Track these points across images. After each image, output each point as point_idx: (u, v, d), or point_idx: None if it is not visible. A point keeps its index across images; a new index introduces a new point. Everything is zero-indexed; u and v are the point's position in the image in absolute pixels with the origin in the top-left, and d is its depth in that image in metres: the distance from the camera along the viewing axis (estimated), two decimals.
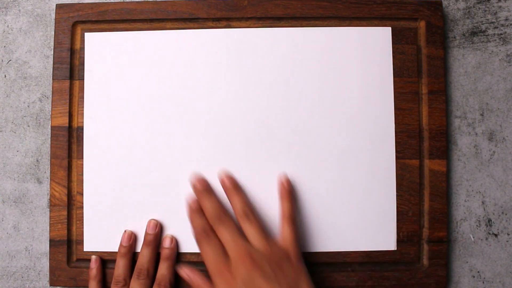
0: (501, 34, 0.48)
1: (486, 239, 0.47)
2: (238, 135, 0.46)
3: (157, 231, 0.45)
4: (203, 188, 0.45)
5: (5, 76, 0.49)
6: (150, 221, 0.45)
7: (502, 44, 0.48)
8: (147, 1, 0.48)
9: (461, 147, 0.48)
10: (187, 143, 0.46)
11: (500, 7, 0.49)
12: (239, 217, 0.43)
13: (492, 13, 0.49)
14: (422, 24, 0.47)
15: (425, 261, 0.46)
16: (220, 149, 0.46)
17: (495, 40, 0.48)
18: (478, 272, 0.47)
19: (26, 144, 0.49)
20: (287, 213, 0.44)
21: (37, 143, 0.49)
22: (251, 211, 0.44)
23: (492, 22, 0.49)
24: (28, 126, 0.49)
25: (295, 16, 0.47)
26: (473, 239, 0.47)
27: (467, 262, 0.47)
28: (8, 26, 0.50)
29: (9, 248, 0.48)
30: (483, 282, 0.47)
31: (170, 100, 0.47)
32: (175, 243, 0.46)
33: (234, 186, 0.45)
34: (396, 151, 0.46)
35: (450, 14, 0.49)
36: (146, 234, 0.45)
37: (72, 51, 0.47)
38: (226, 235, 0.42)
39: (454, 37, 0.49)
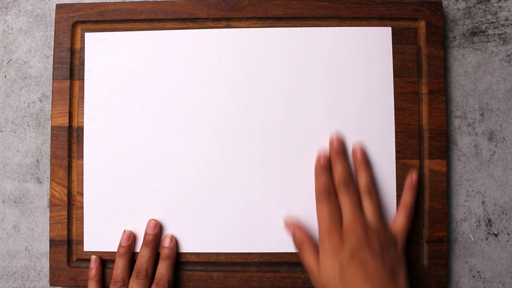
0: (501, 34, 0.48)
1: (486, 239, 0.47)
2: (239, 135, 0.46)
3: (157, 231, 0.45)
4: (340, 148, 0.45)
5: (5, 76, 0.49)
6: (149, 221, 0.45)
7: (502, 44, 0.48)
8: (147, 1, 0.48)
9: (461, 147, 0.48)
10: (187, 143, 0.46)
11: (500, 7, 0.49)
12: (362, 191, 0.44)
13: (492, 13, 0.49)
14: (422, 24, 0.47)
15: (425, 261, 0.46)
16: (221, 149, 0.46)
17: (495, 40, 0.48)
18: (478, 272, 0.47)
19: (26, 144, 0.49)
20: (409, 204, 0.45)
21: (37, 143, 0.49)
22: (375, 189, 0.45)
23: (492, 22, 0.49)
24: (28, 126, 0.49)
25: (295, 16, 0.47)
26: (473, 239, 0.47)
27: (467, 262, 0.47)
28: (8, 26, 0.50)
29: (9, 248, 0.48)
30: (483, 282, 0.47)
31: (170, 100, 0.46)
32: (175, 242, 0.46)
33: (364, 160, 0.45)
34: (396, 151, 0.46)
35: (450, 14, 0.49)
36: (146, 234, 0.45)
37: (72, 51, 0.47)
38: (347, 202, 0.43)
39: (454, 37, 0.49)
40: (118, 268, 0.44)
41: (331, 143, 0.46)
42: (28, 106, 0.49)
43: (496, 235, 0.47)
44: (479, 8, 0.49)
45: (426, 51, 0.47)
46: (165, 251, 0.45)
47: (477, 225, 0.47)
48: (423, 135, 0.47)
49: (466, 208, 0.47)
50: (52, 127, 0.47)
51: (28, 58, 0.49)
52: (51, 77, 0.48)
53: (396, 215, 0.45)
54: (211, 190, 0.46)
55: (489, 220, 0.47)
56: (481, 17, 0.49)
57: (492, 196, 0.47)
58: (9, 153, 0.49)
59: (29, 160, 0.49)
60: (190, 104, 0.46)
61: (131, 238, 0.45)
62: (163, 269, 0.44)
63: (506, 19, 0.49)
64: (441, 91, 0.47)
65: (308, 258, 0.42)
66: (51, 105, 0.48)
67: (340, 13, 0.47)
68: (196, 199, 0.46)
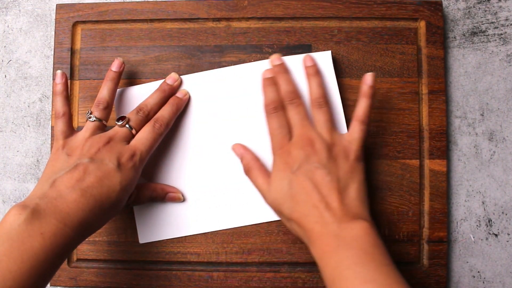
0: (501, 34, 0.48)
1: (486, 239, 0.47)
2: (241, 138, 0.46)
3: (176, 85, 0.46)
4: (281, 65, 0.45)
5: (5, 76, 0.49)
6: (173, 73, 0.46)
7: (502, 44, 0.48)
8: (147, 1, 0.48)
9: (461, 147, 0.48)
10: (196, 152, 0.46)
11: (500, 7, 0.49)
12: (313, 102, 0.43)
13: (492, 13, 0.49)
14: (422, 24, 0.47)
15: (425, 261, 0.46)
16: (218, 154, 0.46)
17: (495, 40, 0.48)
18: (478, 272, 0.47)
19: (26, 144, 0.49)
20: (362, 112, 0.42)
21: (37, 143, 0.49)
22: (326, 101, 0.44)
23: (492, 22, 0.49)
24: (28, 126, 0.49)
25: (295, 16, 0.47)
26: (473, 239, 0.47)
27: (467, 262, 0.47)
28: (8, 26, 0.50)
29: None
30: (483, 282, 0.47)
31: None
32: (188, 97, 0.46)
33: (315, 71, 0.45)
34: (396, 151, 0.46)
35: (450, 14, 0.49)
36: (163, 83, 0.46)
37: (72, 51, 0.47)
38: (295, 115, 0.43)
39: (454, 37, 0.49)
40: (104, 90, 0.43)
41: (272, 61, 0.45)
42: (28, 106, 0.49)
43: (496, 235, 0.47)
44: (479, 8, 0.49)
45: (426, 51, 0.47)
46: (175, 99, 0.45)
47: (477, 225, 0.47)
48: (423, 135, 0.47)
49: (466, 208, 0.47)
50: (52, 127, 0.47)
51: (28, 58, 0.49)
52: (51, 77, 0.48)
53: (351, 125, 0.43)
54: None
55: (489, 220, 0.47)
56: (481, 17, 0.49)
57: (492, 196, 0.47)
58: (9, 153, 0.49)
59: (29, 160, 0.49)
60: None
61: (123, 66, 0.45)
62: (166, 111, 0.44)
63: (506, 19, 0.49)
64: (441, 91, 0.47)
65: (258, 178, 0.42)
66: (51, 105, 0.48)
67: (340, 13, 0.47)
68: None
